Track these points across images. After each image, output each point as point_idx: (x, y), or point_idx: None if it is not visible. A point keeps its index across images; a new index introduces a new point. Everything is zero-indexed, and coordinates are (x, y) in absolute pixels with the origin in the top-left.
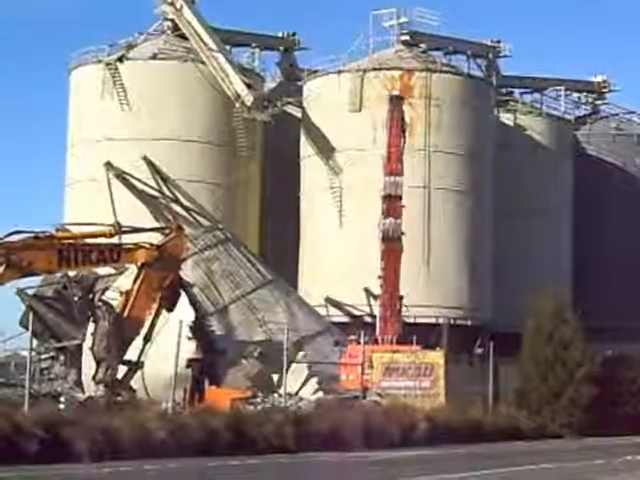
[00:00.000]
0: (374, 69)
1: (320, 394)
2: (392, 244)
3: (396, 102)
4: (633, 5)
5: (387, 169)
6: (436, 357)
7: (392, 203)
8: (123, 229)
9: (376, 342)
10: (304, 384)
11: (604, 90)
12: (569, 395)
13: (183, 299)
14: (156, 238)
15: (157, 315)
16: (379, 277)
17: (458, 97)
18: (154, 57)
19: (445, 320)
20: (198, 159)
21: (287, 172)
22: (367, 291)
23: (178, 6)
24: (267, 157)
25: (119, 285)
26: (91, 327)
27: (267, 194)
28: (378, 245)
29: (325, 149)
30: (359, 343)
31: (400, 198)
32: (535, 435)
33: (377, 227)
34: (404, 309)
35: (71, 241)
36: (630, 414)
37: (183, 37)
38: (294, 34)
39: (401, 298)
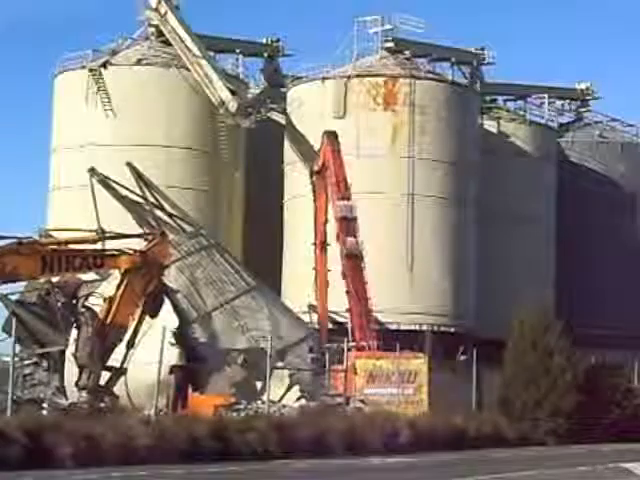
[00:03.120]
0: (358, 76)
1: (303, 401)
2: (355, 261)
3: (332, 137)
4: (616, 13)
5: (338, 195)
6: (419, 364)
7: (348, 224)
8: (106, 235)
9: (360, 349)
10: (287, 391)
11: (587, 97)
12: (552, 402)
13: (166, 305)
14: (139, 244)
15: (140, 321)
16: (347, 292)
17: (442, 104)
18: (138, 63)
19: (428, 327)
20: (182, 165)
21: (271, 178)
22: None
23: (162, 12)
24: (251, 163)
25: (102, 291)
26: (74, 333)
27: (250, 200)
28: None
29: (309, 156)
30: (362, 349)
31: (355, 219)
32: (518, 442)
33: (338, 248)
34: (381, 315)
35: (55, 247)
36: (614, 421)
37: (167, 43)
38: (278, 40)
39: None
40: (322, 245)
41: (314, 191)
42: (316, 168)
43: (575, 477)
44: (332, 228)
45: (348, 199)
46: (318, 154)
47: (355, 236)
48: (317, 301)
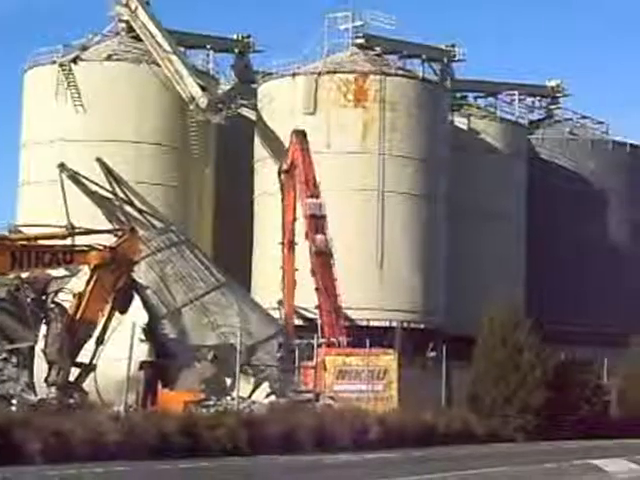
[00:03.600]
0: (329, 72)
1: (273, 397)
2: (325, 258)
3: (301, 136)
4: (586, 11)
5: (307, 193)
6: (389, 360)
7: (317, 222)
8: (76, 231)
9: (330, 345)
10: (256, 387)
11: (558, 95)
12: (522, 399)
13: (136, 301)
14: (109, 240)
15: (110, 317)
16: (316, 289)
17: (412, 101)
18: (108, 58)
19: (398, 323)
20: (152, 161)
21: (241, 174)
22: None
23: (133, 7)
24: (221, 159)
25: (72, 287)
26: (44, 329)
27: (221, 197)
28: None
29: (279, 152)
30: (331, 345)
31: (324, 217)
32: (488, 438)
33: (307, 245)
34: (351, 312)
35: (24, 242)
36: (583, 418)
37: (137, 39)
38: (249, 36)
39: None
40: (290, 244)
41: (282, 190)
42: (285, 167)
43: (543, 474)
44: (301, 226)
45: (317, 197)
46: (287, 153)
47: (324, 233)
48: (284, 300)
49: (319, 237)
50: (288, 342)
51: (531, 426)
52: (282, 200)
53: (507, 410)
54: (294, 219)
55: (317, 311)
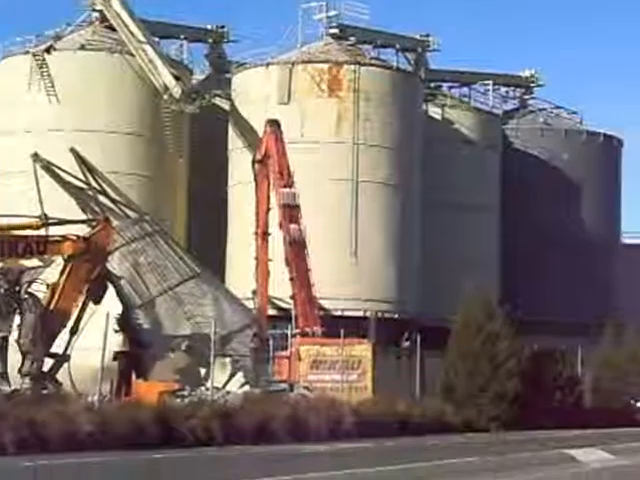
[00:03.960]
0: (303, 62)
1: (247, 387)
2: (299, 247)
3: (275, 126)
4: (559, 1)
5: (281, 183)
6: (364, 350)
7: (291, 211)
8: (50, 221)
9: (304, 335)
10: (231, 377)
11: (532, 85)
12: (495, 389)
13: (110, 291)
14: (83, 230)
15: (84, 308)
16: (290, 279)
17: (386, 91)
18: (82, 48)
19: (373, 313)
20: (126, 151)
21: (215, 164)
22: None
23: None
24: (195, 149)
25: (46, 277)
26: (17, 319)
27: (195, 186)
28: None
29: (253, 141)
30: (305, 335)
31: (298, 207)
32: (462, 428)
33: (281, 235)
34: (325, 301)
35: None
36: (557, 408)
37: (111, 28)
38: (223, 26)
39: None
40: (264, 234)
41: (256, 180)
42: (258, 157)
43: (518, 463)
44: (275, 216)
45: (291, 187)
46: (260, 143)
47: (298, 223)
48: (258, 290)
49: (293, 227)
50: (262, 333)
51: (505, 416)
52: (256, 190)
53: (481, 400)
54: (268, 209)
55: (291, 301)
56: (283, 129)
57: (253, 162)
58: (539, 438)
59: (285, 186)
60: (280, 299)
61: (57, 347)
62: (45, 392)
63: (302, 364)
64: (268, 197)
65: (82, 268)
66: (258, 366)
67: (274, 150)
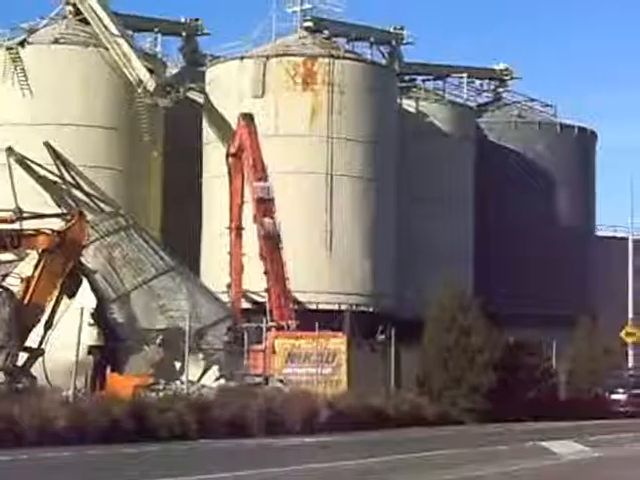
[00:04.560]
0: (277, 55)
1: (222, 381)
2: (273, 241)
3: (248, 119)
4: None
5: (255, 176)
6: (338, 343)
7: (265, 205)
8: (24, 215)
9: (279, 329)
10: (205, 371)
11: (506, 77)
12: (470, 381)
13: (84, 285)
14: (57, 224)
15: (58, 302)
16: (265, 273)
17: (361, 84)
18: (56, 42)
19: (348, 307)
20: (100, 145)
21: (189, 158)
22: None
23: None
24: (169, 143)
25: (20, 271)
26: None
27: (169, 180)
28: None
29: (227, 135)
30: (280, 329)
31: (272, 201)
32: (438, 421)
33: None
34: (300, 295)
35: None
36: (532, 400)
37: (85, 22)
38: (197, 20)
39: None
40: (237, 229)
41: (229, 174)
42: (232, 150)
43: (493, 455)
44: (250, 209)
45: (265, 180)
46: (234, 136)
47: (272, 217)
48: (232, 284)
49: (267, 220)
50: (236, 327)
51: (480, 408)
52: (229, 184)
53: (456, 393)
54: (241, 203)
55: (266, 295)
56: (258, 122)
57: (227, 155)
58: (514, 430)
59: (259, 179)
60: (255, 292)
61: (32, 341)
62: (20, 386)
63: (277, 357)
64: (242, 191)
65: (56, 262)
66: (232, 360)
67: (248, 143)
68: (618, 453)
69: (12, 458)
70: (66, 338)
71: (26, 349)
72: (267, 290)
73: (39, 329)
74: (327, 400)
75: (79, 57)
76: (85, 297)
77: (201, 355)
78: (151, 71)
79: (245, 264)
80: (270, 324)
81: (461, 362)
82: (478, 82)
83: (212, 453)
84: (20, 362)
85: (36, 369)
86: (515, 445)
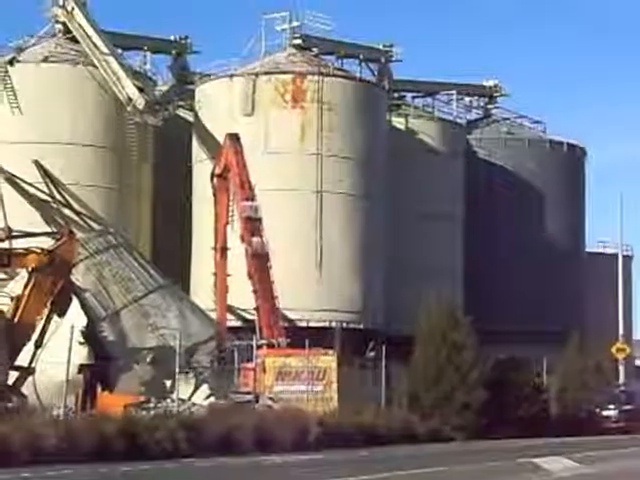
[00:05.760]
0: (266, 73)
1: (212, 399)
2: (261, 260)
3: (234, 139)
4: (522, 11)
5: (242, 196)
6: (329, 361)
7: (253, 224)
8: (14, 233)
9: (269, 346)
10: (196, 389)
11: (495, 94)
12: (461, 398)
13: (75, 304)
14: (47, 243)
15: (48, 320)
16: (254, 292)
17: (350, 101)
18: (45, 60)
19: (338, 324)
20: (89, 163)
21: (179, 176)
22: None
23: (69, 9)
24: (159, 161)
25: (10, 290)
26: None
27: (159, 198)
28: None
29: (217, 153)
30: (271, 346)
31: (260, 220)
32: (428, 438)
33: (244, 247)
34: (289, 312)
35: None
36: (521, 417)
37: (74, 40)
38: (186, 37)
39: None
40: (222, 250)
41: (215, 195)
42: (217, 171)
43: (484, 472)
44: (238, 229)
45: (253, 200)
46: (220, 157)
47: (261, 236)
48: (217, 306)
49: (255, 240)
50: (221, 347)
51: (471, 425)
52: (215, 205)
53: (447, 410)
54: (227, 224)
55: (255, 312)
56: (247, 140)
57: (212, 176)
58: (505, 447)
59: (247, 199)
60: (245, 310)
61: (22, 360)
62: (10, 405)
63: (267, 375)
64: (227, 211)
65: (46, 281)
66: (221, 378)
67: (234, 163)
68: (609, 469)
69: (2, 478)
70: (56, 357)
71: (16, 368)
72: (256, 309)
73: (29, 348)
74: (318, 418)
75: (68, 75)
76: (75, 316)
77: (191, 373)
78: (140, 89)
79: (235, 281)
80: (260, 342)
81: (452, 379)
82: (468, 99)
83: (203, 471)
84: (10, 381)
85: (27, 388)
86: (506, 462)
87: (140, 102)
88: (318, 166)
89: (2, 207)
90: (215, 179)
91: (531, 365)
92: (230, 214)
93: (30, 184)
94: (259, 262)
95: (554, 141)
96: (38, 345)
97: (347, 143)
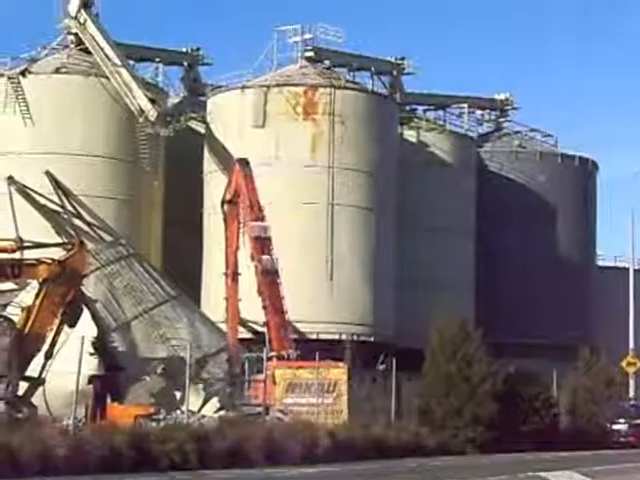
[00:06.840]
0: (278, 85)
1: (222, 411)
2: (271, 277)
3: (244, 164)
4: (534, 24)
5: (252, 217)
6: (339, 373)
7: (262, 243)
8: (25, 244)
9: (279, 359)
10: (206, 402)
11: (507, 108)
12: (472, 411)
13: (85, 315)
14: (58, 253)
15: (58, 331)
16: (263, 307)
17: (362, 114)
18: (57, 71)
19: (348, 336)
20: (101, 174)
21: (191, 187)
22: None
23: (82, 20)
24: (171, 172)
25: (20, 301)
26: None
27: (170, 209)
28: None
29: (228, 165)
30: (281, 358)
31: (269, 239)
32: (438, 451)
33: (254, 265)
34: (300, 325)
35: None
36: (532, 430)
37: (87, 51)
38: (198, 49)
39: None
40: (233, 275)
41: (225, 220)
42: (228, 197)
43: None
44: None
45: (262, 220)
46: (230, 183)
47: (270, 254)
48: (228, 329)
49: (265, 257)
50: (233, 367)
51: (481, 438)
52: (225, 230)
53: (457, 422)
54: (237, 249)
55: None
56: (258, 152)
57: (222, 202)
58: (514, 460)
59: (256, 219)
60: (255, 322)
61: (32, 371)
62: (20, 416)
63: (278, 387)
64: (237, 237)
65: (57, 291)
66: (233, 390)
67: (243, 187)
68: None
69: None
70: (67, 367)
71: (26, 378)
72: (266, 324)
73: (39, 358)
74: (328, 430)
75: (80, 86)
76: (86, 326)
77: (201, 385)
78: (152, 101)
79: (245, 293)
80: (271, 354)
81: (462, 392)
82: (479, 112)
83: None
84: (20, 392)
85: (36, 399)
86: (515, 476)
87: (152, 113)
88: (329, 178)
89: (13, 218)
90: (225, 205)
91: (541, 379)
92: (241, 232)
93: (41, 195)
94: (269, 279)
95: (565, 154)
96: (48, 356)
97: (358, 155)
